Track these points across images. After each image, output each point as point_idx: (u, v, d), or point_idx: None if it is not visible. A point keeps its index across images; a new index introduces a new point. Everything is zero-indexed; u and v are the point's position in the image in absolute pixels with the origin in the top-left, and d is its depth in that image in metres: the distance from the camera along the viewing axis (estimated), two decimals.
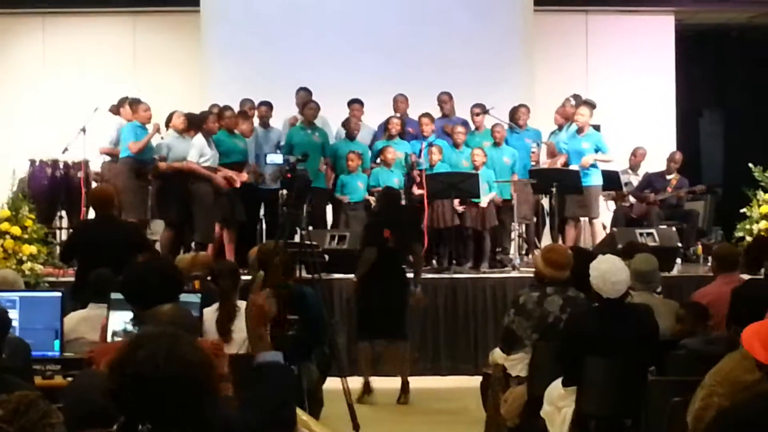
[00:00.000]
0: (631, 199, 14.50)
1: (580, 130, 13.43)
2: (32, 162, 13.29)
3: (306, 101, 13.74)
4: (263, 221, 13.52)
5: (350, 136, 13.61)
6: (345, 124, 13.77)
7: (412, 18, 15.92)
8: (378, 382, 10.68)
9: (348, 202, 13.08)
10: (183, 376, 3.00)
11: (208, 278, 8.29)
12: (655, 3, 17.14)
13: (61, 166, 13.22)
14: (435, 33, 15.81)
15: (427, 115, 13.64)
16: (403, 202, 12.18)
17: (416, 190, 13.04)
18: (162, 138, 12.91)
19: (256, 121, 13.80)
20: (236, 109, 13.43)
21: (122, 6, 16.74)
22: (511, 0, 16.32)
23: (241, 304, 7.29)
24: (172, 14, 16.79)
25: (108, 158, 13.09)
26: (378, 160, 13.36)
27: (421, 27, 15.85)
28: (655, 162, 14.79)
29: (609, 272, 6.57)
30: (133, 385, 2.98)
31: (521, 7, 16.23)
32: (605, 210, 14.55)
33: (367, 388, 10.44)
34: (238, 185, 12.54)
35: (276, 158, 9.57)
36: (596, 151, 13.31)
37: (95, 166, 13.34)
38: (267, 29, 15.83)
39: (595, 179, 13.25)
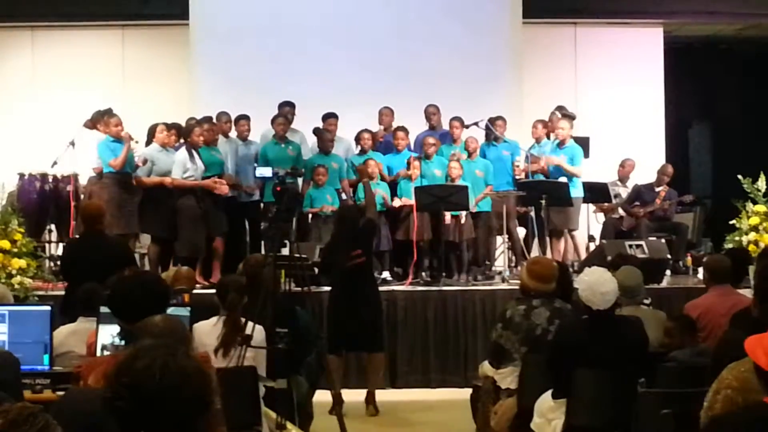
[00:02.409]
0: (620, 211, 14.52)
1: (561, 143, 13.50)
2: (21, 176, 13.25)
3: (276, 115, 13.68)
4: (248, 234, 13.51)
5: (324, 150, 13.57)
6: (317, 136, 13.73)
7: (400, 31, 15.92)
8: (364, 395, 10.67)
9: (319, 212, 13.00)
10: (180, 387, 3.00)
11: (193, 291, 8.30)
12: (643, 15, 17.16)
13: (50, 179, 13.18)
14: (423, 45, 15.80)
15: (402, 128, 13.67)
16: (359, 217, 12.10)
17: (396, 203, 13.06)
18: (137, 147, 12.84)
19: (234, 134, 13.78)
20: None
21: (111, 19, 16.73)
22: (500, 12, 16.31)
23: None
24: (161, 27, 16.79)
25: (93, 175, 12.96)
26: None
27: (409, 40, 15.84)
28: (644, 174, 14.82)
29: (597, 283, 6.57)
30: (131, 395, 2.98)
31: (510, 20, 16.25)
32: (594, 222, 14.58)
33: (338, 400, 10.44)
34: (218, 189, 12.48)
35: (265, 171, 9.53)
36: (571, 162, 13.39)
37: (84, 180, 13.31)
38: (256, 43, 15.83)
39: (575, 191, 13.26)
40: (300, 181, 12.87)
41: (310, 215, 13.16)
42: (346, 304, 10.28)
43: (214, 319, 7.34)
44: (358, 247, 10.35)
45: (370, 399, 10.52)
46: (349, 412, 9.88)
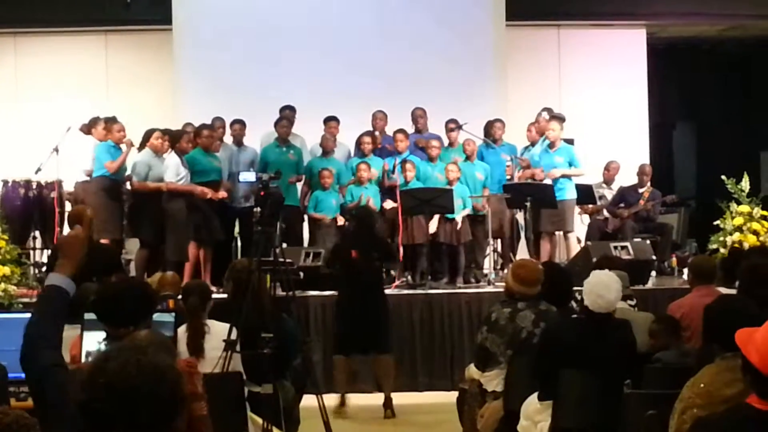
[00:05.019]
0: (605, 212, 14.54)
1: (552, 145, 13.49)
2: (5, 182, 13.24)
3: (279, 118, 13.74)
4: (238, 239, 13.51)
5: (326, 153, 13.60)
6: (322, 141, 13.77)
7: (384, 34, 15.91)
8: (355, 398, 10.69)
9: (327, 220, 13.03)
10: (156, 383, 2.98)
11: (178, 297, 8.28)
12: (626, 16, 17.18)
13: (34, 186, 13.17)
14: (408, 49, 15.80)
15: (401, 131, 13.66)
16: (377, 222, 12.16)
17: (388, 205, 13.07)
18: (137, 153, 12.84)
19: (229, 139, 13.78)
20: None
21: (94, 25, 16.68)
22: (484, 15, 16.32)
23: (212, 324, 7.28)
24: (144, 33, 16.75)
25: (84, 178, 12.95)
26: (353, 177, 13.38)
27: (393, 43, 15.84)
28: (629, 175, 14.83)
29: (606, 289, 6.56)
30: (107, 395, 2.96)
31: (494, 23, 16.25)
32: (579, 224, 14.59)
33: (342, 401, 10.47)
34: (209, 196, 12.46)
35: (249, 176, 9.52)
36: (570, 165, 13.36)
37: (68, 186, 13.28)
38: (239, 47, 15.80)
39: (569, 193, 13.27)
40: (299, 185, 12.98)
41: (308, 219, 13.26)
42: (355, 306, 10.34)
43: (184, 325, 7.32)
44: (373, 249, 10.46)
45: (388, 403, 10.54)
46: (338, 415, 9.93)
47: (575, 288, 7.79)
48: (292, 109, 14.04)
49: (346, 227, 12.49)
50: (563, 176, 13.26)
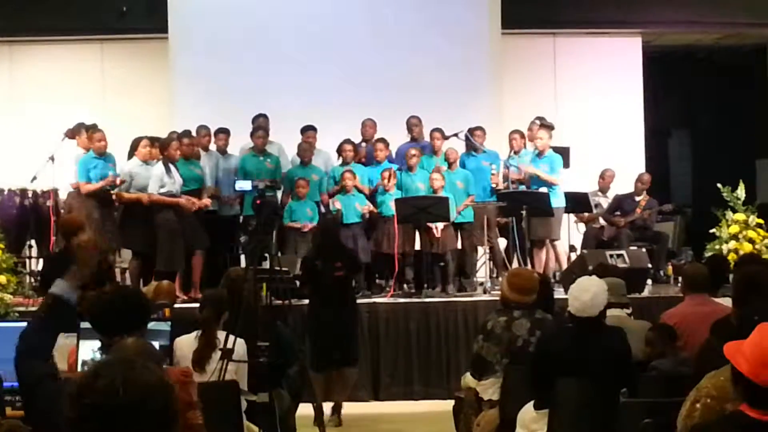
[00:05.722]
0: (601, 220, 14.54)
1: (540, 153, 13.52)
2: (0, 191, 13.22)
3: (254, 128, 13.74)
4: (229, 248, 13.48)
5: (303, 162, 13.57)
6: (299, 150, 13.75)
7: (379, 42, 15.91)
8: (348, 408, 10.66)
9: (300, 228, 12.93)
10: (144, 401, 2.95)
11: (174, 306, 8.28)
12: (622, 25, 17.20)
13: (30, 194, 13.14)
14: (403, 57, 15.81)
15: (381, 140, 13.69)
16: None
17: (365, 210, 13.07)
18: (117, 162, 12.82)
19: (213, 147, 13.77)
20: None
21: (90, 34, 16.67)
22: (480, 23, 16.31)
23: (222, 336, 7.28)
24: (140, 41, 16.73)
25: (72, 190, 12.92)
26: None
27: (389, 51, 15.84)
28: (625, 183, 14.83)
29: (581, 291, 6.57)
30: (93, 415, 2.94)
31: (489, 31, 16.25)
32: (575, 232, 14.59)
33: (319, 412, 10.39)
34: (194, 208, 12.46)
35: (245, 185, 9.54)
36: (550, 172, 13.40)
37: (64, 195, 13.26)
38: (235, 56, 15.79)
39: (557, 201, 13.26)
40: (279, 193, 12.89)
41: (287, 228, 13.17)
42: (323, 320, 10.29)
43: (194, 333, 7.33)
44: (340, 259, 10.41)
45: (338, 410, 10.52)
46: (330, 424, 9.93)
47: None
48: (265, 117, 14.01)
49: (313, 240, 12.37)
50: (534, 175, 13.32)
